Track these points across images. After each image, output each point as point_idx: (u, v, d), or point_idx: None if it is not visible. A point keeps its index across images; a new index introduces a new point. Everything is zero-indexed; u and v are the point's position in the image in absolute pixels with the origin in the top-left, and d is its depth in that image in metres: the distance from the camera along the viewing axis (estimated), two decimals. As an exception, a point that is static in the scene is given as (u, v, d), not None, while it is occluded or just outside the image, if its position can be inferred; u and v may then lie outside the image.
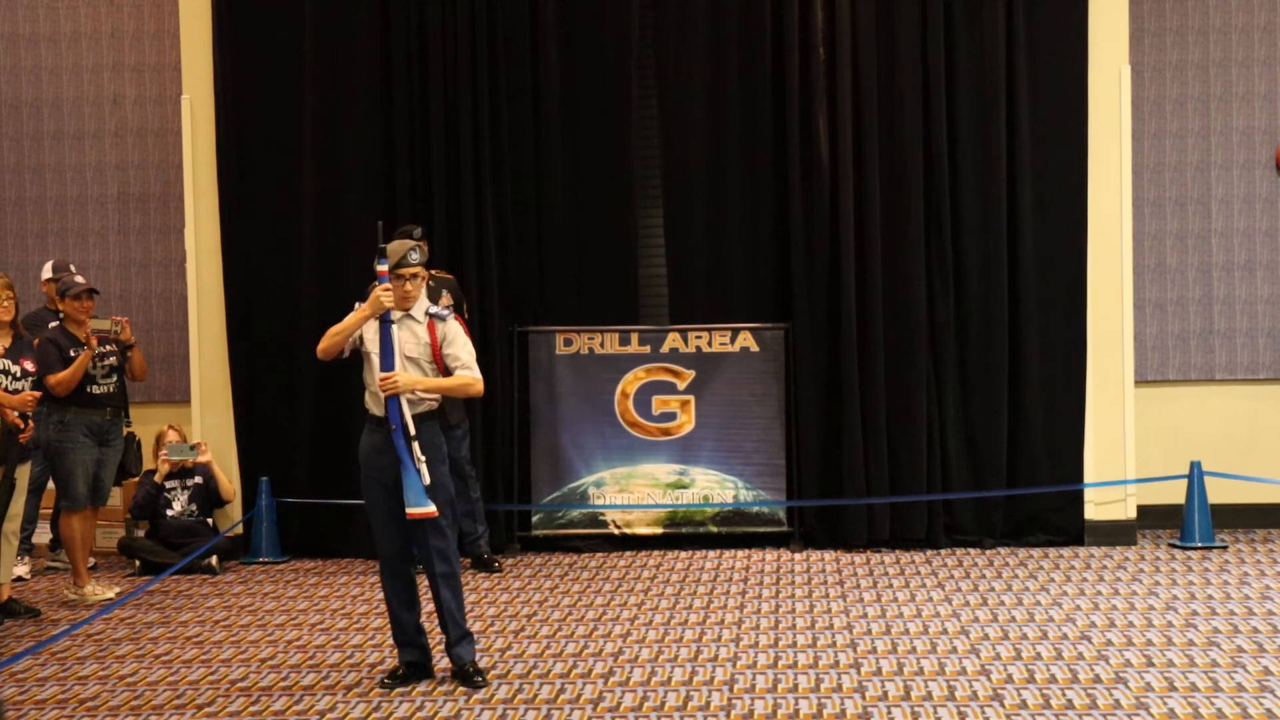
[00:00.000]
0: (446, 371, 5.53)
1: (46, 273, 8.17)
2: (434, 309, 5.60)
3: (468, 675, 5.50)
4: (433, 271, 7.72)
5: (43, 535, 8.40)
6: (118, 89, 9.36)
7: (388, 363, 5.40)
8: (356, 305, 5.54)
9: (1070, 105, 8.33)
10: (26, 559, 8.21)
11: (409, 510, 5.35)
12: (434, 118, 8.45)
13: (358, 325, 5.49)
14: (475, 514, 7.91)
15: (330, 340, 5.52)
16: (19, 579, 8.05)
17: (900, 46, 8.36)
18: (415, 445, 5.38)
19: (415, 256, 5.50)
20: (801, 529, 8.52)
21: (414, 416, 5.44)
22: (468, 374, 5.53)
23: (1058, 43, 8.34)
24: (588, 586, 7.49)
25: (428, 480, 5.38)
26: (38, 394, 6.86)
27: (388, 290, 5.41)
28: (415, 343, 5.50)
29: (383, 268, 5.44)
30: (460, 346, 5.54)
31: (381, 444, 5.45)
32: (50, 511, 8.23)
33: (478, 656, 5.71)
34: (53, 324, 7.59)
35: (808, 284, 8.42)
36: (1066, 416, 8.36)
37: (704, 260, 8.55)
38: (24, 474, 7.00)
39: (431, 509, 5.37)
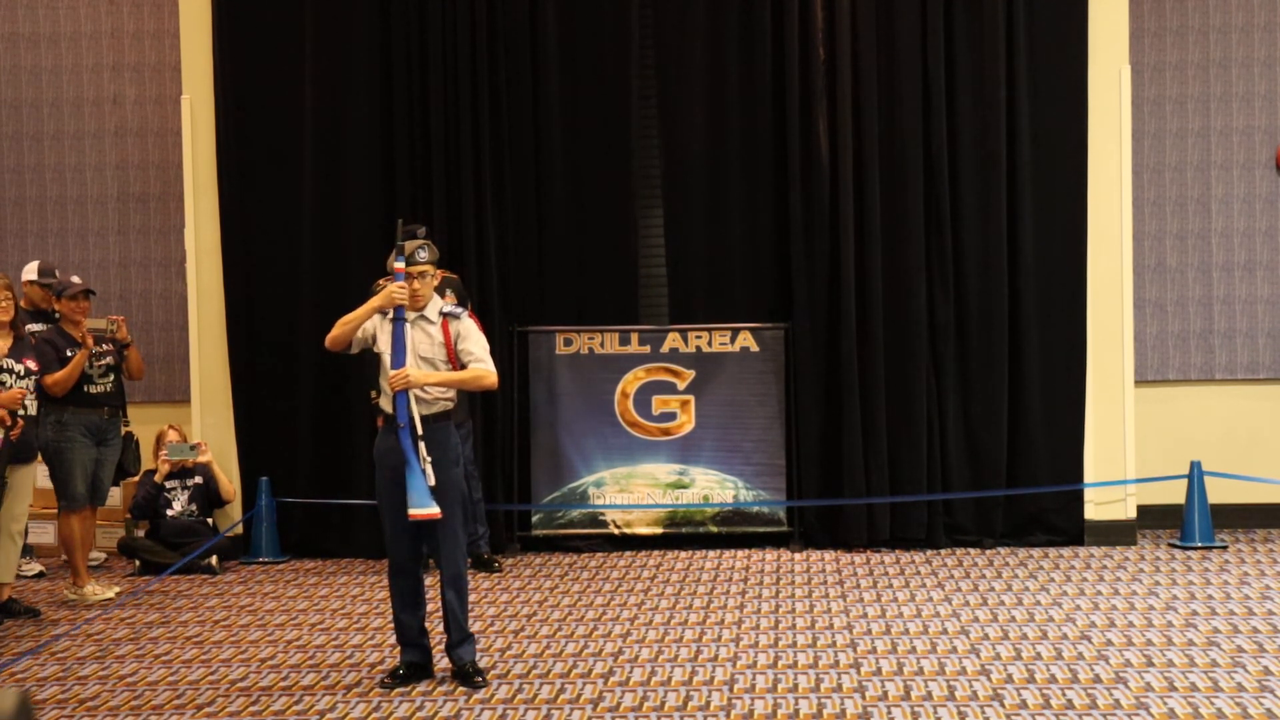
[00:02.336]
0: (461, 368, 5.52)
1: (30, 274, 8.09)
2: (448, 308, 5.58)
3: (468, 675, 5.50)
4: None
5: (39, 535, 8.41)
6: (118, 89, 9.36)
7: (399, 360, 5.39)
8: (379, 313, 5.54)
9: (1070, 105, 8.33)
10: (34, 559, 8.23)
11: (411, 511, 5.32)
12: (434, 118, 8.45)
13: (366, 316, 5.46)
14: (476, 514, 7.92)
15: (339, 330, 5.50)
16: (40, 575, 8.09)
17: (900, 46, 8.36)
18: (422, 445, 5.37)
19: (424, 255, 5.47)
20: (801, 529, 8.52)
21: (429, 416, 5.42)
22: (481, 366, 5.49)
23: (1058, 43, 8.34)
24: (588, 586, 7.49)
25: (433, 481, 5.36)
26: (24, 391, 6.80)
27: (402, 287, 5.40)
28: (430, 343, 5.48)
29: (400, 265, 5.42)
30: (474, 341, 5.53)
31: (396, 445, 5.43)
32: (51, 512, 8.24)
33: (478, 657, 5.70)
34: (37, 326, 7.55)
35: (808, 284, 8.42)
36: (1066, 416, 8.36)
37: (704, 260, 8.55)
38: (24, 475, 7.00)
39: (435, 510, 5.34)
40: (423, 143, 8.50)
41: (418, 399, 5.40)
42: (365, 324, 5.50)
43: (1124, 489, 8.39)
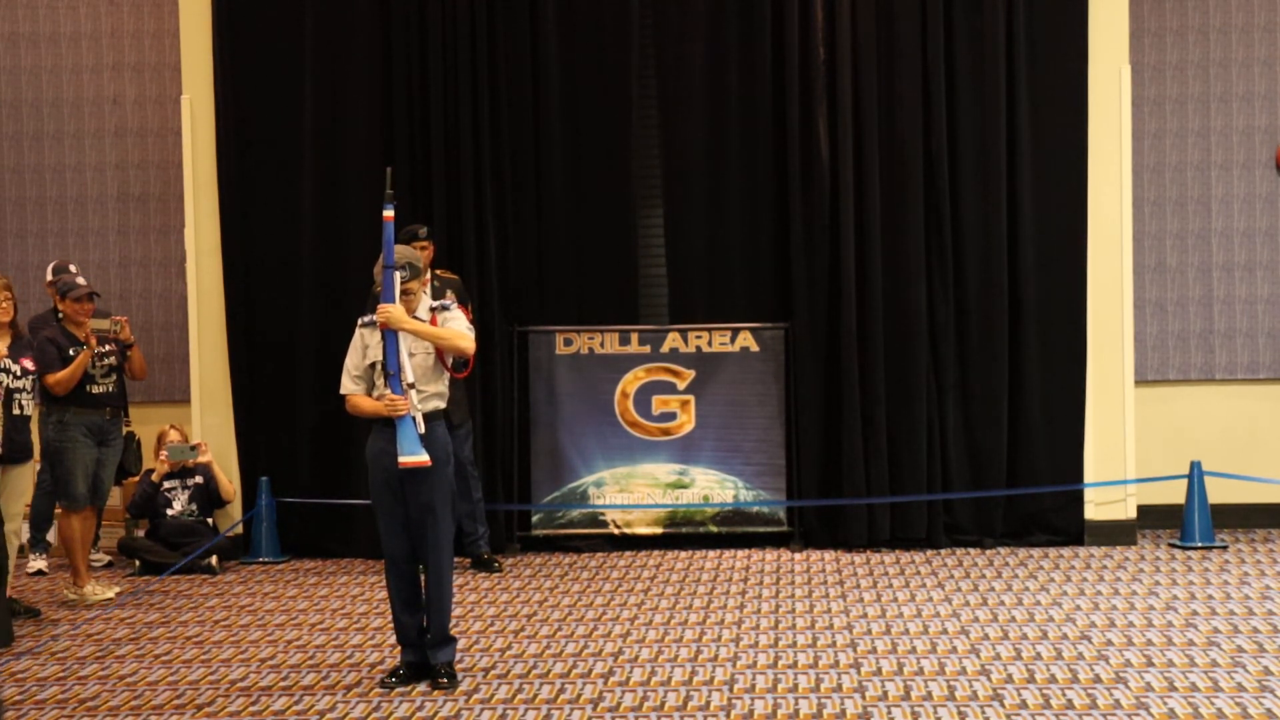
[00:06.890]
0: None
1: (49, 275, 8.14)
2: (435, 303, 5.58)
3: (435, 673, 5.48)
4: (437, 271, 7.72)
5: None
6: (118, 89, 9.37)
7: (392, 362, 5.39)
8: (360, 322, 5.53)
9: (1070, 105, 8.32)
10: (44, 556, 8.25)
11: (401, 459, 5.33)
12: (434, 117, 8.45)
13: (376, 409, 5.47)
14: (476, 514, 7.92)
15: (358, 409, 5.54)
16: (39, 572, 8.12)
17: (900, 46, 8.36)
18: (413, 394, 5.38)
19: (404, 275, 5.43)
20: (801, 529, 8.52)
21: (420, 416, 5.43)
22: (459, 327, 5.50)
23: (1058, 43, 8.34)
24: (588, 586, 7.49)
25: (422, 429, 5.38)
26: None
27: (393, 402, 5.38)
28: (420, 342, 5.49)
29: (389, 212, 5.39)
30: (456, 321, 5.54)
31: (389, 445, 5.44)
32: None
33: (479, 657, 5.70)
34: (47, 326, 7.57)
35: (808, 284, 8.42)
36: (1066, 416, 8.36)
37: (704, 260, 8.55)
38: (20, 475, 6.99)
39: (424, 458, 5.34)
40: (423, 143, 8.49)
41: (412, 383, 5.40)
42: (358, 344, 5.52)
43: (1124, 489, 8.39)
